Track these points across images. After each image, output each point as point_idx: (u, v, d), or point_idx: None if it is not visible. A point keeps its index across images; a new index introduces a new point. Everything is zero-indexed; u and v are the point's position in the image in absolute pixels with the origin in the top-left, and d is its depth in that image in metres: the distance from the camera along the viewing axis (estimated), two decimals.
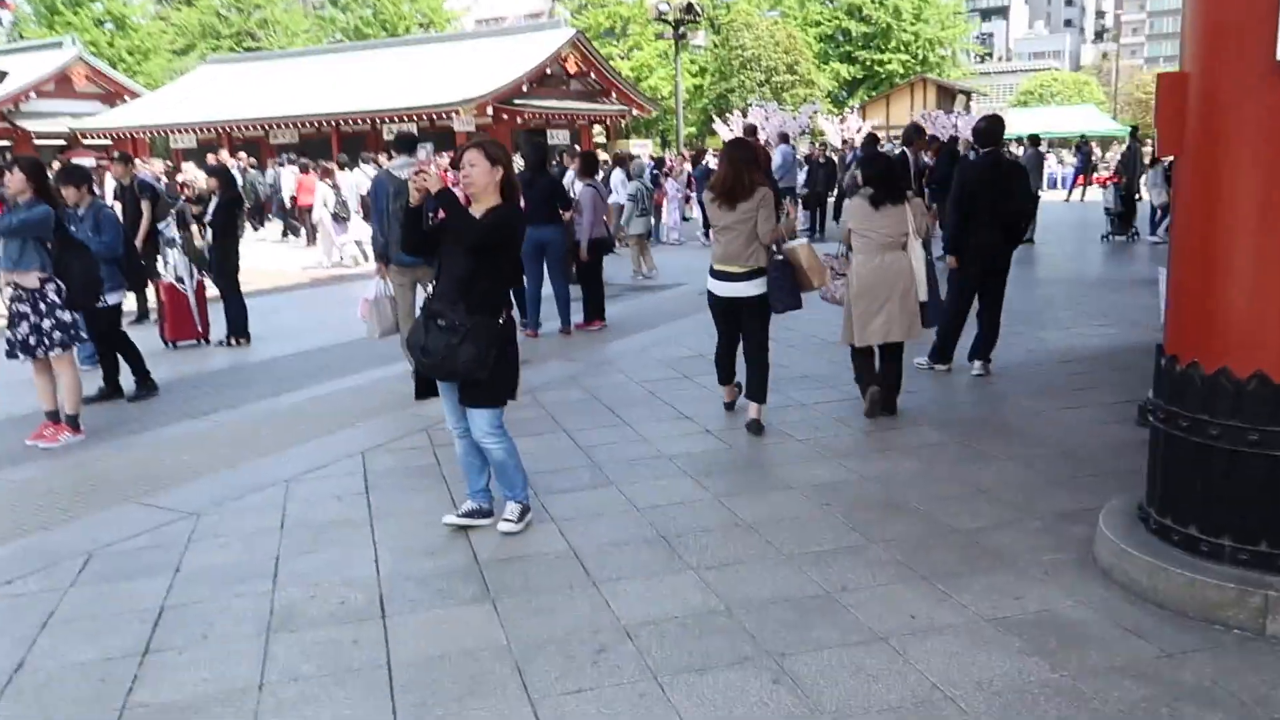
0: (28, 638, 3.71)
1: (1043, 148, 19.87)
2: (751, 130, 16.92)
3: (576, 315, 9.78)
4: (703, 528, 4.51)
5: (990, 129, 6.95)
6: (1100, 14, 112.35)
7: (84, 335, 6.60)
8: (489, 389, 4.40)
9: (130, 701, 3.23)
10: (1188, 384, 3.66)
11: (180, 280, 9.91)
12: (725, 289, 6.00)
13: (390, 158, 25.47)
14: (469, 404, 4.47)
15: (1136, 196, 16.97)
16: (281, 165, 23.70)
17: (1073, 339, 8.51)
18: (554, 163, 14.22)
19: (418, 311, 7.33)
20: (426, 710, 3.10)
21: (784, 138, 18.85)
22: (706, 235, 14.07)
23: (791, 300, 6.00)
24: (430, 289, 4.53)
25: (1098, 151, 30.87)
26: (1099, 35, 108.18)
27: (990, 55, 73.51)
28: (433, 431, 6.26)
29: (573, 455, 5.69)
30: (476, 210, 4.41)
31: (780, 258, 5.94)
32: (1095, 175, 26.43)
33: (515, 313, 4.76)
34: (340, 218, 17.47)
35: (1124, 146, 23.28)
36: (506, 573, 4.10)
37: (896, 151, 14.44)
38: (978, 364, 7.23)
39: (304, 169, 21.17)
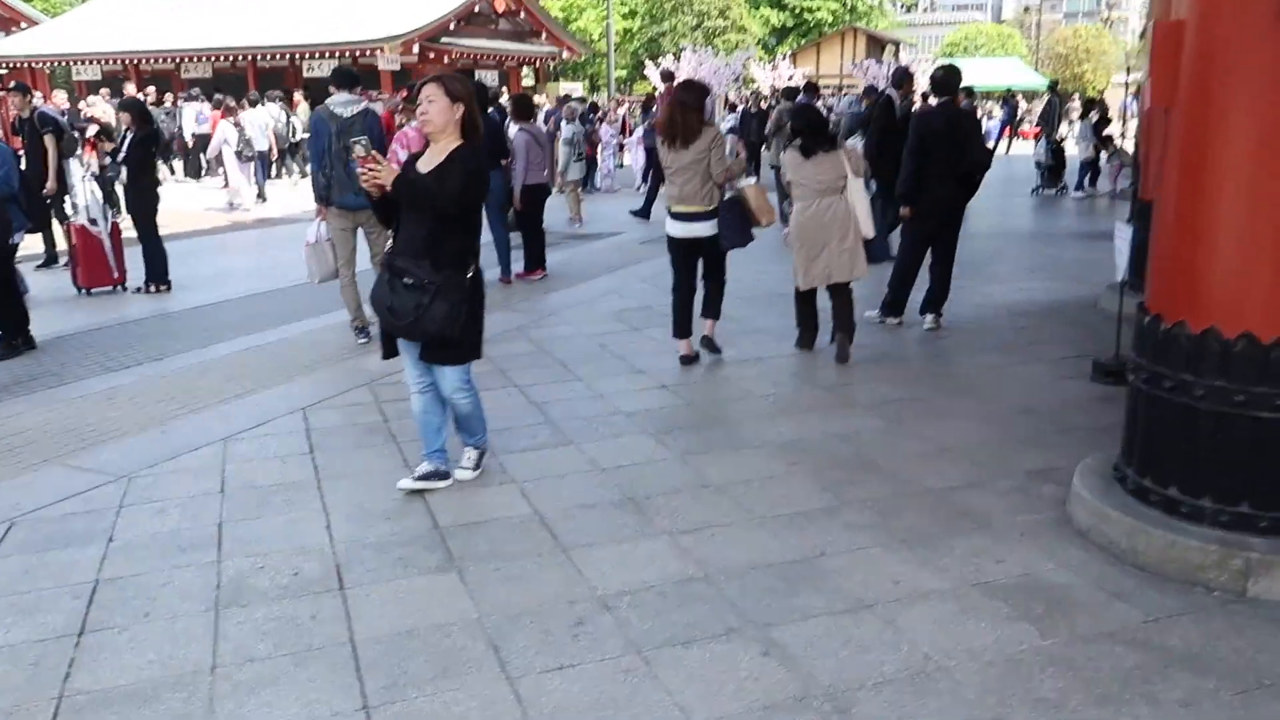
0: None
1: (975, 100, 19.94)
2: (669, 77, 16.50)
3: (516, 264, 9.51)
4: (671, 489, 4.36)
5: (947, 79, 6.82)
6: None
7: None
8: (458, 347, 4.21)
9: (68, 688, 2.97)
10: (1172, 344, 3.60)
11: (93, 222, 9.33)
12: (684, 229, 6.07)
13: (306, 97, 24.66)
14: (436, 362, 4.27)
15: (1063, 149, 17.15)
16: (186, 101, 22.53)
17: (1016, 293, 8.53)
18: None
19: (359, 258, 7.06)
20: (398, 692, 2.90)
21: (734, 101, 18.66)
22: (645, 181, 13.87)
23: (741, 238, 6.08)
24: (387, 241, 4.27)
25: (1024, 104, 31.23)
26: None
27: (915, 6, 73.62)
28: (376, 387, 5.98)
29: (527, 412, 5.48)
30: (435, 150, 4.14)
31: (731, 195, 6.01)
32: (1021, 128, 26.75)
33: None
34: (245, 156, 16.90)
35: (1044, 101, 23.61)
36: (471, 539, 3.90)
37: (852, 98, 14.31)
38: (929, 318, 7.19)
39: (218, 106, 20.26)
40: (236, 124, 17.16)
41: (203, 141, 20.19)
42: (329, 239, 6.69)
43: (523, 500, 4.27)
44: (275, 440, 5.11)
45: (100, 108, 17.67)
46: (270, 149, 18.58)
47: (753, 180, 6.40)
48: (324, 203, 6.63)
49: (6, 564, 3.79)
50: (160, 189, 9.68)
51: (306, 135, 23.44)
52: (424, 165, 4.15)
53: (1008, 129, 26.84)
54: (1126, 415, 3.93)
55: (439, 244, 4.04)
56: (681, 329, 6.30)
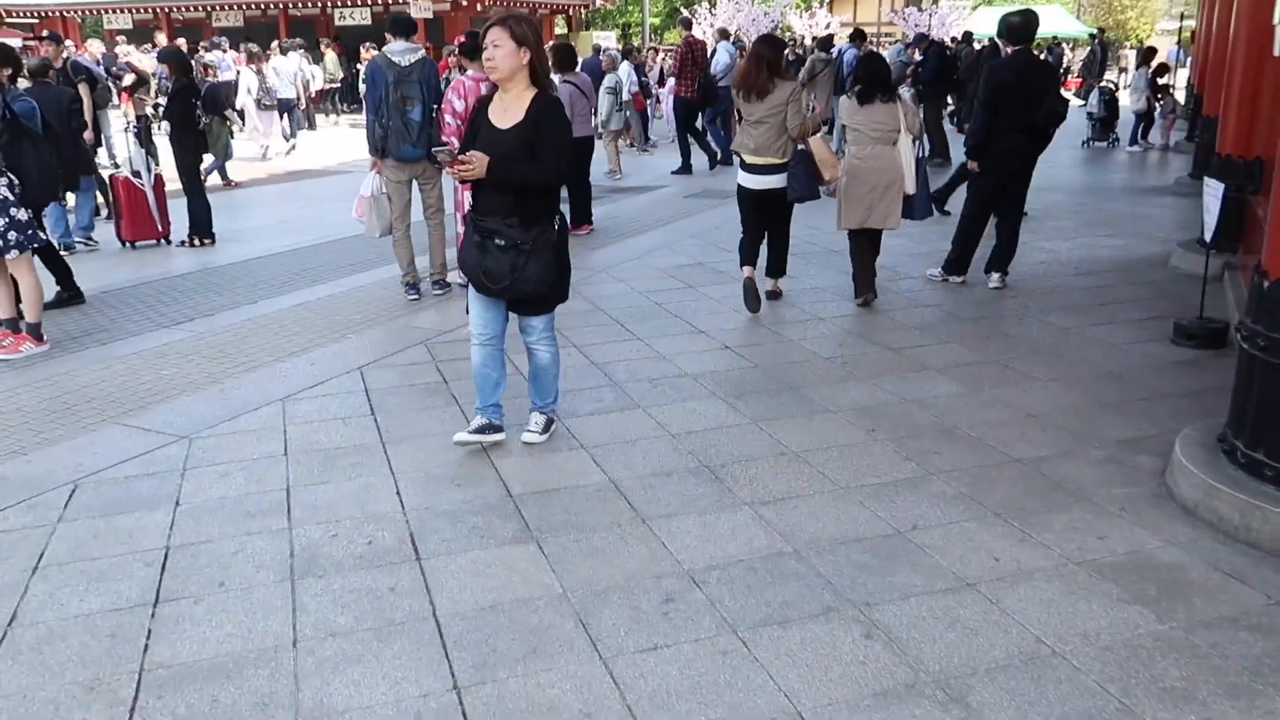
0: (17, 584, 3.32)
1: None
2: (688, 24, 16.05)
3: None
4: (747, 456, 4.21)
5: (1025, 25, 6.50)
6: None
7: (43, 235, 6.02)
8: (550, 297, 4.17)
9: (148, 661, 2.88)
10: None
11: (137, 174, 9.22)
12: (757, 182, 6.27)
13: (336, 47, 24.37)
14: (527, 314, 4.21)
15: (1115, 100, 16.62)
16: (207, 50, 22.21)
17: (1081, 250, 8.26)
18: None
19: (414, 211, 6.91)
20: (487, 672, 2.79)
21: (724, 34, 18.06)
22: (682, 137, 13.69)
23: (809, 190, 6.18)
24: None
25: (1069, 54, 30.43)
26: None
27: None
28: (432, 345, 5.86)
29: (590, 374, 5.33)
30: (509, 101, 3.97)
31: (802, 148, 6.13)
32: (1066, 79, 26.05)
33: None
34: (264, 105, 16.75)
35: (1086, 50, 22.83)
36: (546, 508, 3.77)
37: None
38: (995, 276, 6.96)
39: (250, 56, 20.05)
40: (259, 71, 17.02)
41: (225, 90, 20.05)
42: (385, 192, 6.51)
43: (595, 467, 4.13)
44: (335, 401, 5.00)
45: (137, 56, 17.46)
46: (298, 98, 18.45)
47: (820, 134, 6.41)
48: (380, 154, 6.45)
49: (74, 528, 3.71)
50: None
51: (330, 85, 23.57)
52: (499, 118, 3.98)
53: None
54: (1236, 384, 3.73)
55: (526, 201, 3.92)
56: (749, 258, 6.49)
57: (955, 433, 4.44)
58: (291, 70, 18.39)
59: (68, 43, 21.05)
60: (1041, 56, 15.79)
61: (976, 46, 15.37)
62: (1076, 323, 6.09)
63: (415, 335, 6.08)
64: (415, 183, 6.69)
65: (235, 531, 3.65)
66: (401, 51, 6.16)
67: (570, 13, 32.40)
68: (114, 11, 30.63)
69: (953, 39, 20.21)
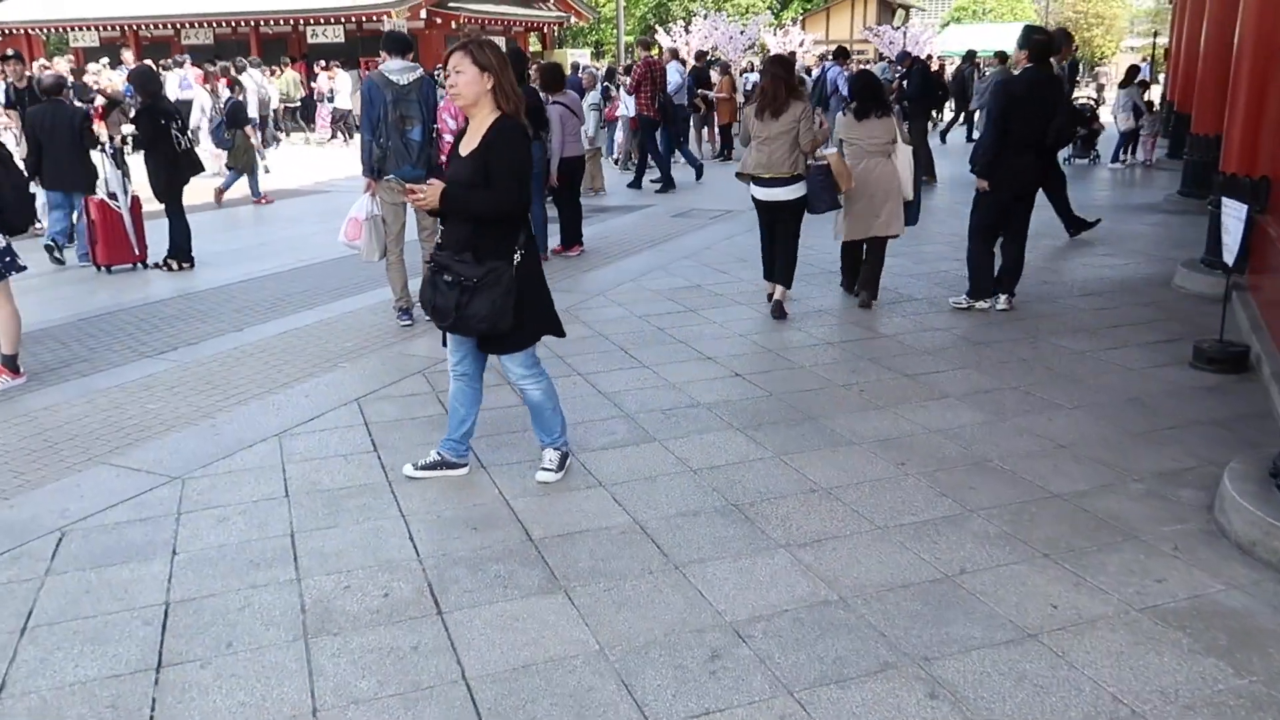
0: (5, 648, 3.06)
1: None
2: (647, 46, 15.95)
3: (553, 240, 9.13)
4: (776, 493, 4.02)
5: (1050, 43, 6.37)
6: None
7: (22, 263, 5.74)
8: (515, 336, 3.92)
9: None
10: None
11: (113, 196, 8.92)
12: (768, 194, 6.56)
13: (294, 64, 23.96)
14: (494, 353, 4.01)
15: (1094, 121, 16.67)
16: (167, 70, 21.74)
17: (1081, 270, 8.17)
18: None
19: (409, 233, 6.68)
20: None
21: (674, 54, 18.02)
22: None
23: (832, 201, 6.59)
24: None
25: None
26: None
27: None
28: (431, 375, 5.64)
29: (599, 405, 5.13)
30: (474, 127, 3.82)
31: (824, 163, 6.47)
32: None
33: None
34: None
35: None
36: (570, 553, 3.56)
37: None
38: (1002, 298, 6.83)
39: (224, 73, 19.73)
40: (213, 91, 16.82)
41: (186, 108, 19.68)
42: (379, 214, 6.26)
43: (617, 507, 3.93)
44: (334, 436, 4.76)
45: (107, 75, 17.12)
46: (259, 116, 18.28)
47: (833, 149, 6.66)
48: (374, 175, 6.21)
49: (64, 582, 3.45)
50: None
51: (286, 105, 23.06)
52: (464, 145, 3.84)
53: None
54: None
55: (483, 234, 3.76)
56: (770, 269, 6.89)
57: (987, 465, 4.28)
58: (252, 87, 18.22)
59: (38, 61, 20.65)
60: (1007, 68, 15.79)
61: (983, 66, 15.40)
62: (1090, 346, 5.97)
63: (412, 364, 5.85)
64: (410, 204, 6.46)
65: (239, 584, 3.41)
66: (399, 70, 5.94)
67: (544, 30, 32.29)
68: (80, 29, 30.11)
69: (935, 56, 20.29)
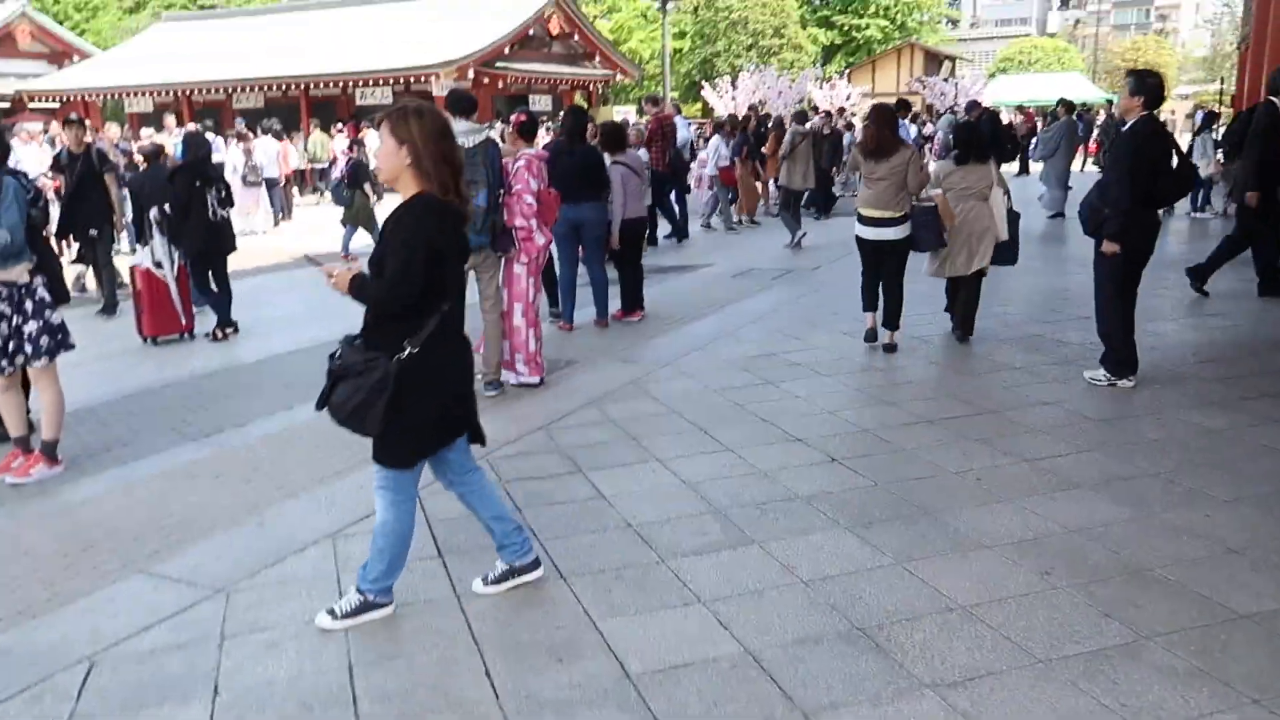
0: None
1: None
2: (655, 102, 15.86)
3: (613, 304, 8.68)
4: (906, 614, 3.45)
5: (1161, 86, 5.81)
6: None
7: (71, 341, 5.38)
8: (385, 446, 3.38)
9: None
10: None
11: (158, 265, 8.61)
12: (874, 233, 6.96)
13: (353, 126, 23.89)
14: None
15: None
16: (207, 129, 21.68)
17: (1190, 331, 7.54)
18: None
19: (470, 297, 6.25)
20: None
21: (677, 109, 18.00)
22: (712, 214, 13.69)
23: (938, 239, 6.96)
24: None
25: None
26: (1064, 2, 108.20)
27: (958, 22, 72.29)
28: (494, 460, 5.17)
29: (682, 496, 4.61)
30: (402, 198, 3.34)
31: (932, 204, 6.89)
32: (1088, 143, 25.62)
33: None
34: (249, 181, 16.61)
35: (1103, 115, 22.39)
36: (676, 694, 3.02)
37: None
38: (1102, 369, 6.18)
39: (278, 136, 19.77)
40: (247, 150, 16.92)
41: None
42: None
43: (723, 632, 3.38)
44: None
45: (160, 140, 17.13)
46: (279, 177, 18.30)
47: (938, 190, 7.03)
48: None
49: None
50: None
51: (314, 166, 22.81)
52: None
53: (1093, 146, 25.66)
54: None
55: (380, 319, 3.33)
56: (869, 304, 7.24)
57: (1147, 575, 3.68)
58: (274, 150, 18.29)
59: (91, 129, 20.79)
60: (1072, 119, 15.26)
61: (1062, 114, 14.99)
62: (1227, 422, 5.35)
63: (474, 450, 5.36)
64: (473, 273, 6.04)
65: None
66: (465, 132, 5.54)
67: (590, 88, 32.32)
68: (135, 95, 30.60)
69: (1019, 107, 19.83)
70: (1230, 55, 48.98)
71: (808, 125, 14.64)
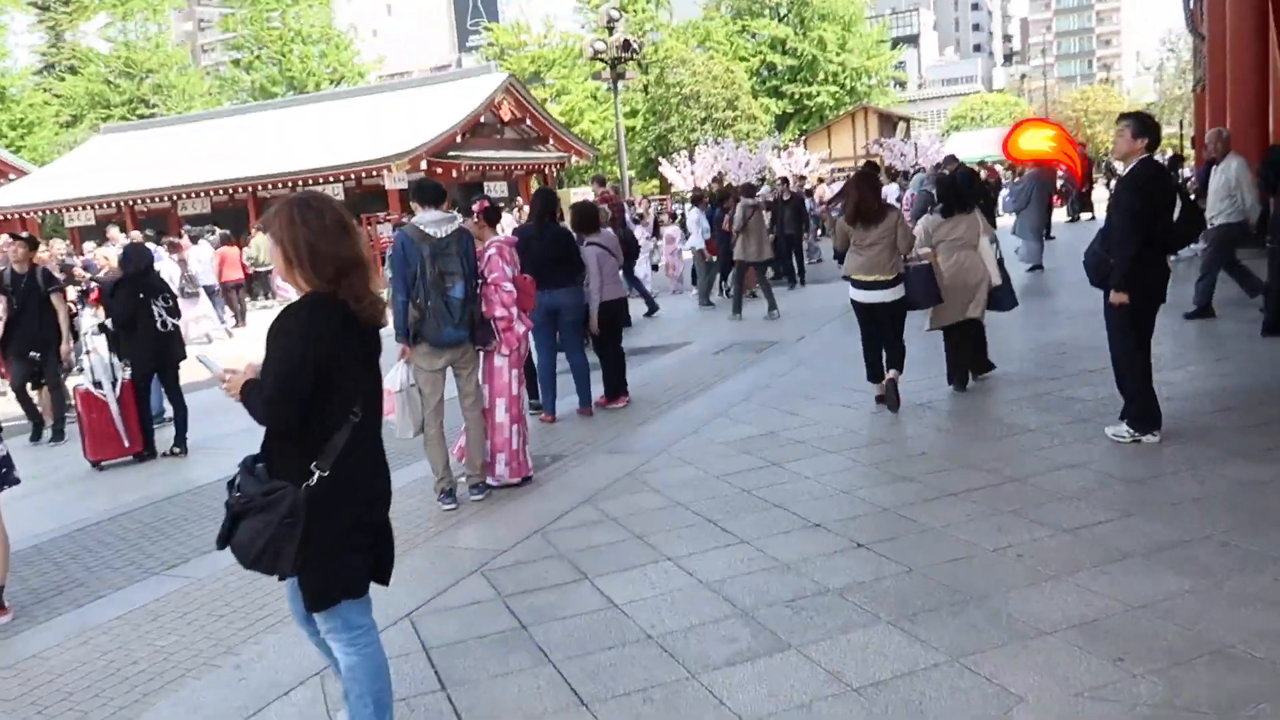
0: None
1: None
2: (601, 182, 16.05)
3: (596, 390, 8.30)
4: None
5: (1159, 129, 5.63)
6: (1007, 37, 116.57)
7: (16, 476, 4.93)
8: (303, 585, 2.95)
9: None
10: None
11: (98, 385, 8.06)
12: (870, 296, 6.97)
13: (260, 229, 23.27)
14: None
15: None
16: (151, 241, 20.87)
17: (1200, 380, 7.19)
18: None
19: (446, 406, 5.89)
20: None
21: (616, 190, 18.19)
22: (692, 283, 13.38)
23: (936, 296, 7.00)
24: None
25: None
26: (1008, 58, 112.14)
27: (905, 84, 74.25)
28: (491, 573, 4.74)
29: (702, 598, 4.20)
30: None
31: (925, 263, 6.97)
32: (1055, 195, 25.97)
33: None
34: (186, 293, 15.93)
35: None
36: None
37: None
38: (1124, 424, 5.89)
39: (225, 241, 19.38)
40: (181, 260, 16.38)
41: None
42: (413, 384, 5.38)
43: None
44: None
45: (103, 254, 16.64)
46: (215, 283, 17.84)
47: (928, 249, 7.14)
48: (409, 340, 5.41)
49: None
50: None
51: (257, 269, 21.88)
52: None
53: (1057, 197, 25.96)
54: None
55: (278, 441, 2.91)
56: (874, 374, 7.18)
57: (1231, 655, 3.33)
58: (208, 257, 17.92)
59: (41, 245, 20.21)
60: (1041, 169, 15.20)
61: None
62: (1270, 475, 5.04)
63: (466, 561, 4.94)
64: (451, 370, 5.66)
65: None
66: (435, 222, 5.22)
67: (545, 171, 32.38)
68: (75, 209, 29.76)
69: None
70: (1181, 98, 50.36)
71: (757, 196, 14.50)
